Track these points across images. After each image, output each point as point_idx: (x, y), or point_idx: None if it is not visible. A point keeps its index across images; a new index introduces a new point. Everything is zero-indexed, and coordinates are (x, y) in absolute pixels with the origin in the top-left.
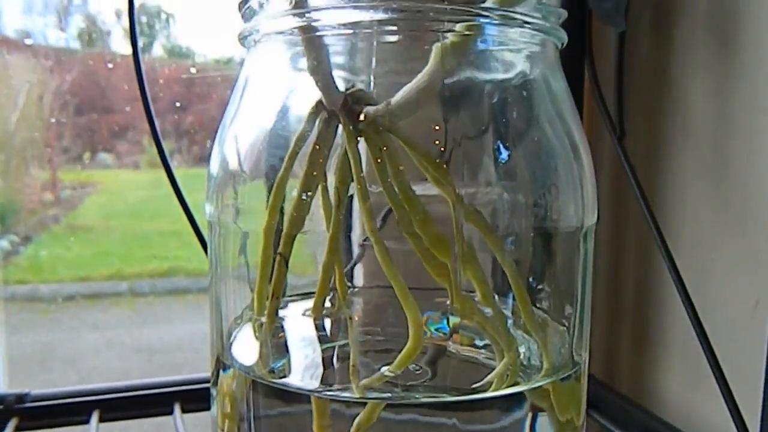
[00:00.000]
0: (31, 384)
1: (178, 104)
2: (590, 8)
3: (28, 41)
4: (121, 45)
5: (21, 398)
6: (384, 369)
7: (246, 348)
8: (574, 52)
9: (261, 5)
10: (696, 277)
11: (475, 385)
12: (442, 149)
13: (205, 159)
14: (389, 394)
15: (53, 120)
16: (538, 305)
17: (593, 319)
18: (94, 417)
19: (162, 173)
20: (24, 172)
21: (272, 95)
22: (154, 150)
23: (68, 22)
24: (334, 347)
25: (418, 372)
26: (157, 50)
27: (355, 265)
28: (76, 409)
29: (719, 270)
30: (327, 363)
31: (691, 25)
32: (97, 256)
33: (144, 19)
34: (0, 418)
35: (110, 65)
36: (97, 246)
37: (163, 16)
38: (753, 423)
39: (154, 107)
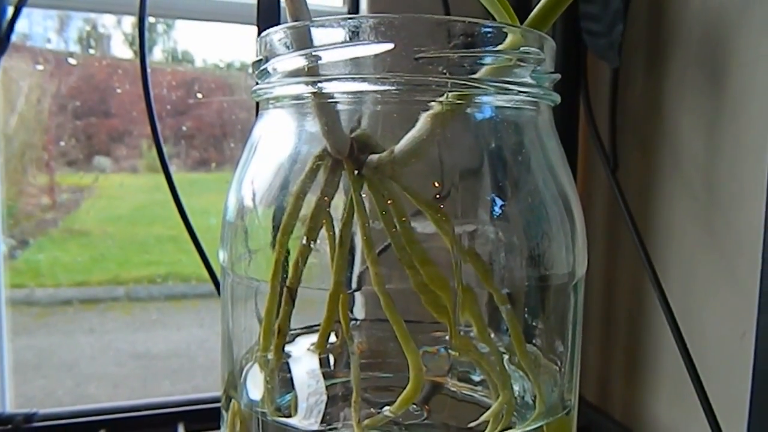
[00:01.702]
0: (26, 389)
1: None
2: (586, 45)
3: (28, 45)
4: (121, 50)
5: (29, 418)
6: (385, 409)
7: (254, 384)
8: (570, 87)
9: (275, 70)
10: (685, 308)
11: (471, 425)
12: (439, 197)
13: (204, 164)
14: None
15: (52, 124)
16: (532, 342)
17: (588, 346)
18: None
19: (159, 177)
20: (22, 175)
21: (284, 150)
22: (153, 154)
23: (68, 26)
24: (337, 383)
25: (416, 412)
26: (158, 55)
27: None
28: (83, 428)
29: (707, 302)
30: (330, 399)
31: (682, 63)
32: (95, 260)
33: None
34: None
35: (110, 70)
36: (95, 250)
37: (164, 22)
38: None
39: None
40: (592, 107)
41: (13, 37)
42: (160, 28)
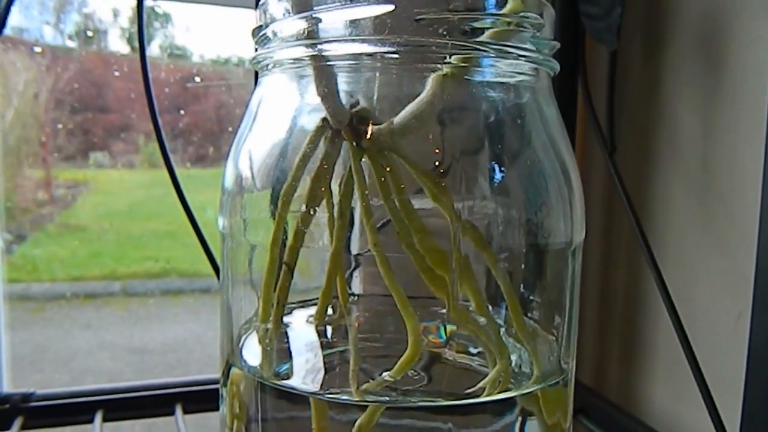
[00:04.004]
0: (22, 384)
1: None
2: (584, 29)
3: (24, 39)
4: (118, 44)
5: (26, 398)
6: (384, 374)
7: (253, 352)
8: (568, 69)
9: (275, 34)
10: (682, 290)
11: (468, 391)
12: (439, 165)
13: (201, 159)
14: (387, 398)
15: (48, 118)
16: (528, 315)
17: (584, 328)
18: (98, 417)
19: (156, 173)
20: (18, 170)
21: (283, 115)
22: (149, 149)
23: (65, 20)
24: (335, 353)
25: (415, 377)
26: (155, 50)
27: (353, 272)
28: (80, 408)
29: (704, 283)
30: (328, 367)
31: (680, 46)
32: (91, 255)
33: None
34: (6, 417)
35: (106, 64)
36: (91, 246)
37: (162, 16)
38: (732, 428)
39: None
40: (590, 90)
41: (10, 32)
42: (158, 23)
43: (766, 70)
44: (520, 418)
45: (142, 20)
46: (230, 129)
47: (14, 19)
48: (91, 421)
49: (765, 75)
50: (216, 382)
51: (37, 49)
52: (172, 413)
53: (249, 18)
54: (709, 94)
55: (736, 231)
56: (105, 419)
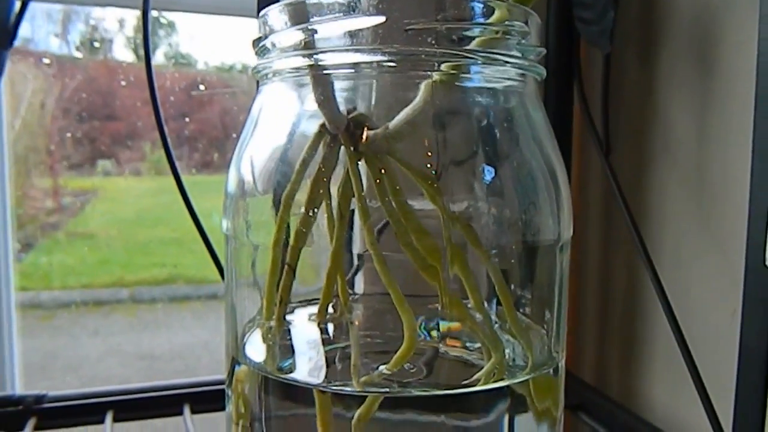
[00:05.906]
0: (30, 391)
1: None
2: (578, 32)
3: (31, 49)
4: (123, 53)
5: (39, 399)
6: (382, 367)
7: (257, 349)
8: (564, 73)
9: (274, 45)
10: (677, 288)
11: (464, 382)
12: (432, 166)
13: (206, 166)
14: (387, 389)
15: (56, 127)
16: (520, 310)
17: (585, 327)
18: (108, 417)
19: (163, 180)
20: (26, 179)
21: (283, 122)
22: (156, 157)
23: (71, 30)
24: (336, 349)
25: (413, 370)
26: (160, 57)
27: (355, 274)
28: (91, 409)
29: (699, 281)
30: (330, 362)
31: (672, 49)
32: (99, 263)
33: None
34: (19, 418)
35: (113, 73)
36: (99, 253)
37: (166, 24)
38: (727, 424)
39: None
40: (586, 93)
41: (17, 42)
42: (162, 32)
43: (754, 73)
44: (513, 408)
45: (147, 30)
46: (234, 135)
47: (21, 29)
48: (101, 421)
49: (753, 77)
50: (223, 382)
51: (45, 60)
52: (180, 413)
53: (252, 25)
54: (701, 96)
55: (729, 230)
56: (115, 419)
